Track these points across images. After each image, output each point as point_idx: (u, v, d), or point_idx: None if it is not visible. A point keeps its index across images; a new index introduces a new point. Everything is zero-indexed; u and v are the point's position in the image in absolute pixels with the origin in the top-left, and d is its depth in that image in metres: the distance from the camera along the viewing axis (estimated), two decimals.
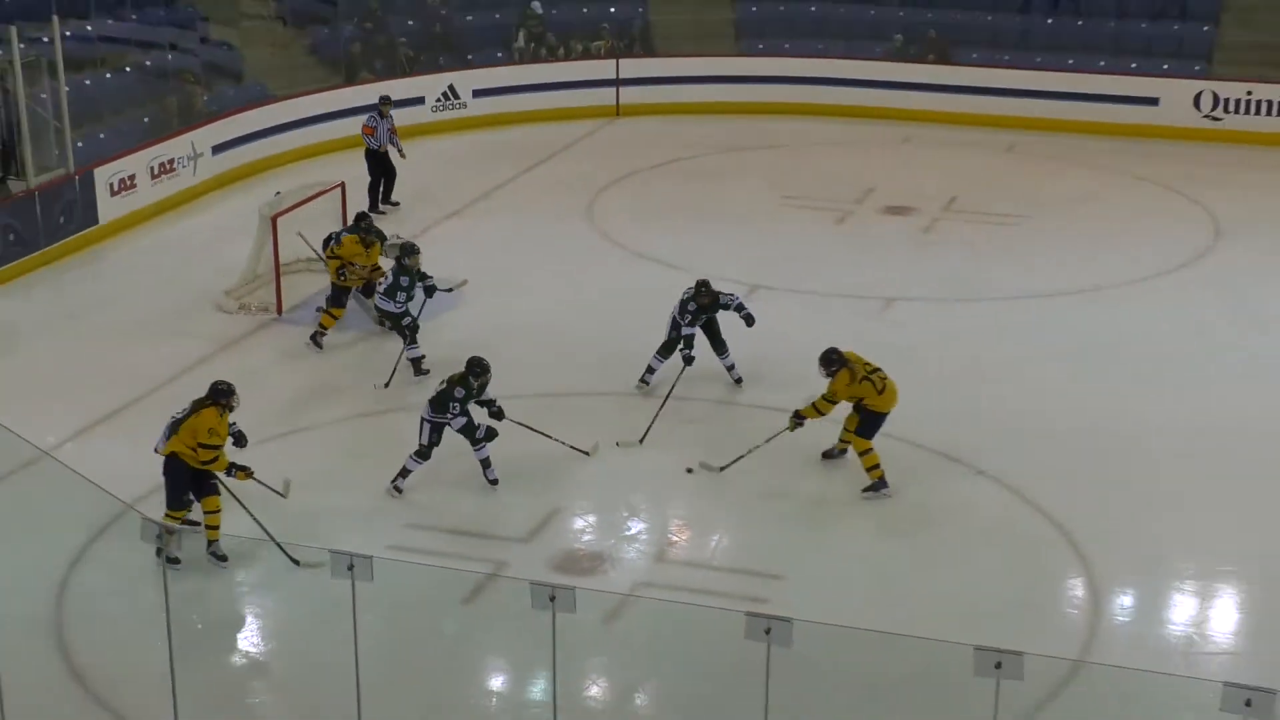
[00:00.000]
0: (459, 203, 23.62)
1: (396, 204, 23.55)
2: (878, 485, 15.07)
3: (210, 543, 13.53)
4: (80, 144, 22.38)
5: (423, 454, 14.93)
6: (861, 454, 15.11)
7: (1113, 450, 16.02)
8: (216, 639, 13.09)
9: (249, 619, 13.55)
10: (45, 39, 21.94)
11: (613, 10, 29.74)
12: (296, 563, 13.03)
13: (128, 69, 25.21)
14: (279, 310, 19.28)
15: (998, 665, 9.10)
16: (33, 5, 22.72)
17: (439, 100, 27.19)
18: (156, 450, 13.79)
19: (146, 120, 24.41)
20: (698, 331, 16.92)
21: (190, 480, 13.52)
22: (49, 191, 21.38)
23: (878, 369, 15.09)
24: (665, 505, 15.03)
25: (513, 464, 15.47)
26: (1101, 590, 13.53)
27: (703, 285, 16.88)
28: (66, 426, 16.33)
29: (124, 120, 24.26)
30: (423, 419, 14.91)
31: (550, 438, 15.48)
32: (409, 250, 17.88)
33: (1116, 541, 14.28)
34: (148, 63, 25.44)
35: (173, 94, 25.02)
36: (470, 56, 28.69)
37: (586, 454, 15.66)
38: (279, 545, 12.66)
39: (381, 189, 23.45)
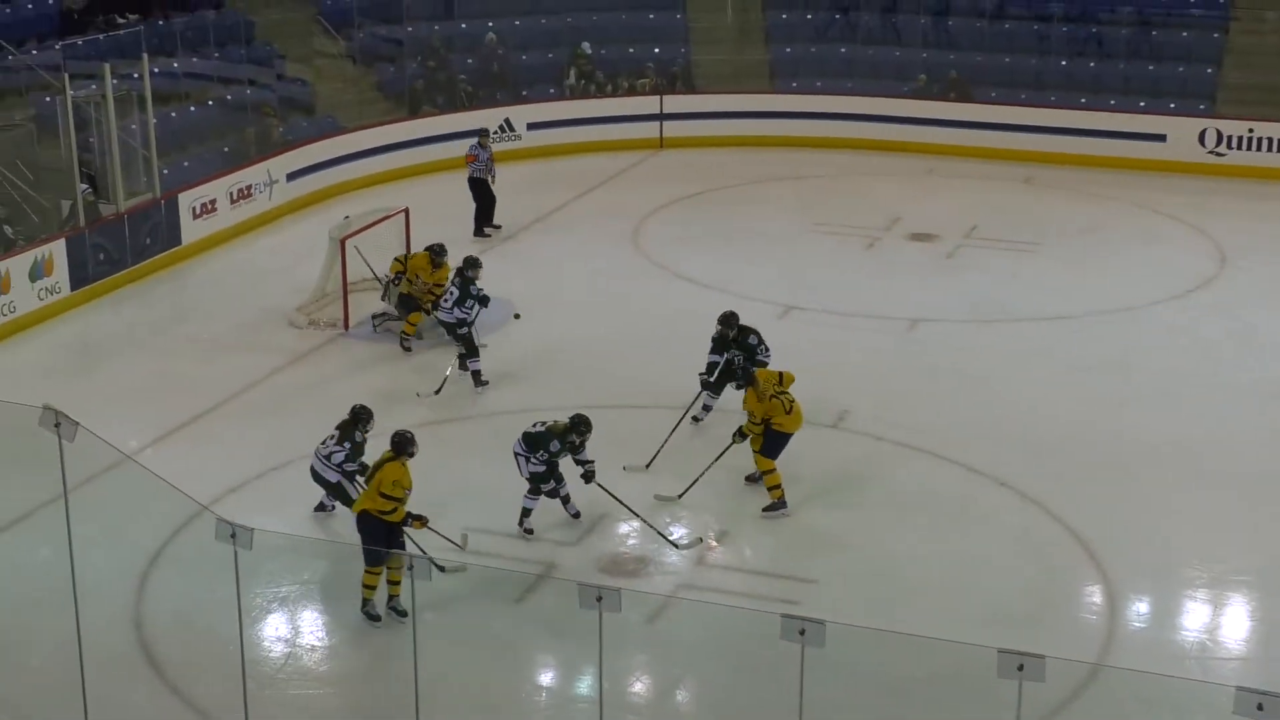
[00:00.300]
0: (514, 227, 23.43)
1: (498, 227, 23.37)
2: (776, 505, 14.55)
3: (391, 597, 12.75)
4: (166, 171, 22.31)
5: (534, 490, 14.19)
6: (764, 473, 14.60)
7: (1127, 463, 15.71)
8: (284, 634, 12.88)
9: (314, 615, 13.32)
10: (135, 75, 21.88)
11: (657, 50, 29.53)
12: (442, 569, 12.46)
13: (210, 102, 25.13)
14: (345, 326, 19.12)
15: (1020, 668, 8.85)
16: (125, 44, 22.70)
17: (496, 132, 26.97)
18: (325, 507, 13.78)
19: (226, 149, 24.32)
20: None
21: (384, 535, 12.77)
22: (137, 215, 21.28)
23: (785, 391, 14.61)
24: (705, 512, 14.73)
25: (562, 471, 15.24)
26: (1118, 597, 13.21)
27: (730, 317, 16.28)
28: (148, 432, 16.20)
29: (206, 149, 24.18)
30: (516, 454, 14.23)
31: (636, 515, 14.27)
32: (471, 264, 17.65)
33: (1132, 550, 13.98)
34: (228, 97, 25.36)
35: (251, 125, 24.92)
36: (525, 92, 28.52)
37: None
38: (431, 560, 11.95)
39: (489, 212, 23.38)
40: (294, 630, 13.00)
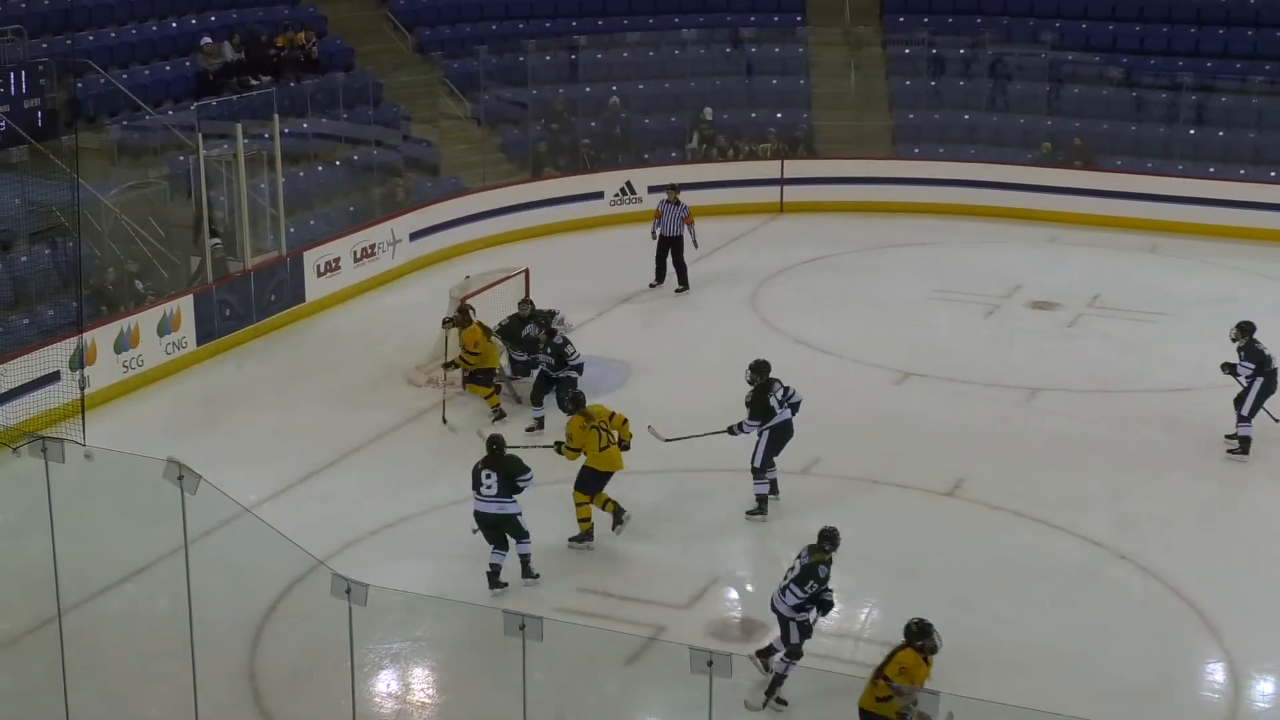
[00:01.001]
0: (632, 289, 23.52)
1: (682, 289, 23.53)
2: (582, 538, 15.02)
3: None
4: (292, 229, 22.71)
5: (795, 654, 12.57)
6: (576, 504, 15.05)
7: (1252, 540, 15.38)
8: (395, 690, 12.95)
9: (426, 673, 13.38)
10: (266, 135, 22.34)
11: (779, 116, 29.62)
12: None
13: (337, 162, 25.59)
14: (464, 385, 19.25)
15: None
16: (258, 105, 23.18)
17: (616, 195, 27.19)
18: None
19: (352, 209, 24.72)
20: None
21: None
22: (263, 272, 21.67)
23: (609, 429, 15.07)
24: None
25: (677, 533, 15.24)
26: (1241, 676, 12.90)
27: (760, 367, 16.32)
28: (267, 486, 16.41)
29: (331, 208, 24.61)
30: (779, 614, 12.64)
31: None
32: (549, 317, 18.42)
33: (1256, 629, 13.66)
34: (355, 157, 25.81)
35: (376, 185, 25.33)
36: (646, 156, 28.73)
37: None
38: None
39: (667, 270, 23.62)
40: (405, 687, 13.07)
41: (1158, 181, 27.32)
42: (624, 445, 15.30)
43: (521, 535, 14.30)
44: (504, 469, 14.15)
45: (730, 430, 15.97)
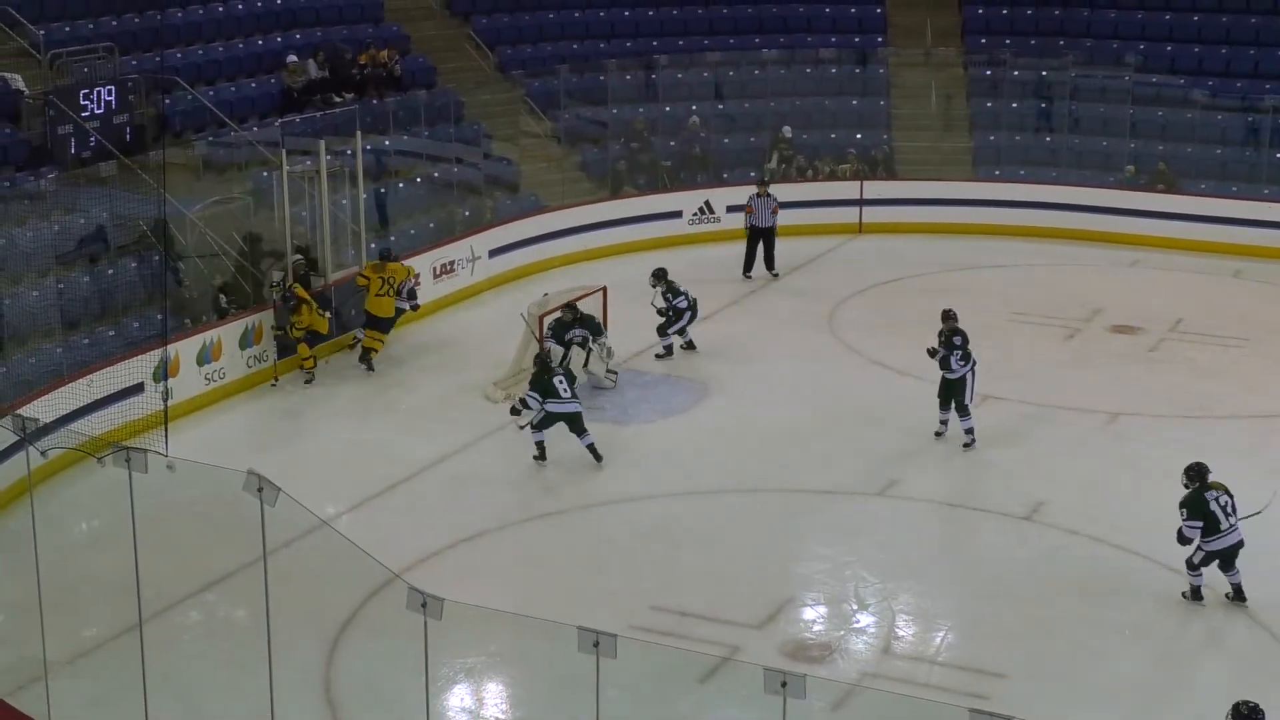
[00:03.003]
0: (711, 308, 23.49)
1: (776, 275, 25.25)
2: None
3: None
4: (373, 245, 22.86)
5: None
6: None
7: None
8: (469, 705, 13.00)
9: (500, 688, 13.42)
10: (349, 152, 22.52)
11: (859, 136, 29.55)
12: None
13: (418, 179, 25.77)
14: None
15: None
16: (340, 122, 23.39)
17: (695, 214, 27.19)
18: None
19: (432, 225, 24.89)
20: None
21: None
22: (344, 287, 21.83)
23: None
24: (893, 600, 14.54)
25: (748, 554, 15.22)
26: None
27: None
28: (345, 499, 16.54)
29: (412, 224, 24.78)
30: None
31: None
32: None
33: None
34: (435, 174, 25.99)
35: (456, 203, 25.50)
36: (725, 175, 28.73)
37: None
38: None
39: (759, 259, 25.21)
40: (478, 702, 13.11)
41: (1242, 206, 26.99)
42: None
43: (585, 430, 17.34)
44: (570, 375, 17.46)
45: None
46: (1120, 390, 20.13)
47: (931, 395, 18.30)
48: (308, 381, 20.30)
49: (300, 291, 20.25)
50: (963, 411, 17.93)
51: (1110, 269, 26.14)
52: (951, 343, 17.98)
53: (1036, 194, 28.11)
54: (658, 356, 21.05)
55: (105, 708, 12.39)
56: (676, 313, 21.16)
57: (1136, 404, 19.54)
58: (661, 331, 21.12)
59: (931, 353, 18.08)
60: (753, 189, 25.32)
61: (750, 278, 25.11)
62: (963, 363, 17.90)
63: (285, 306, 20.18)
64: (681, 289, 21.26)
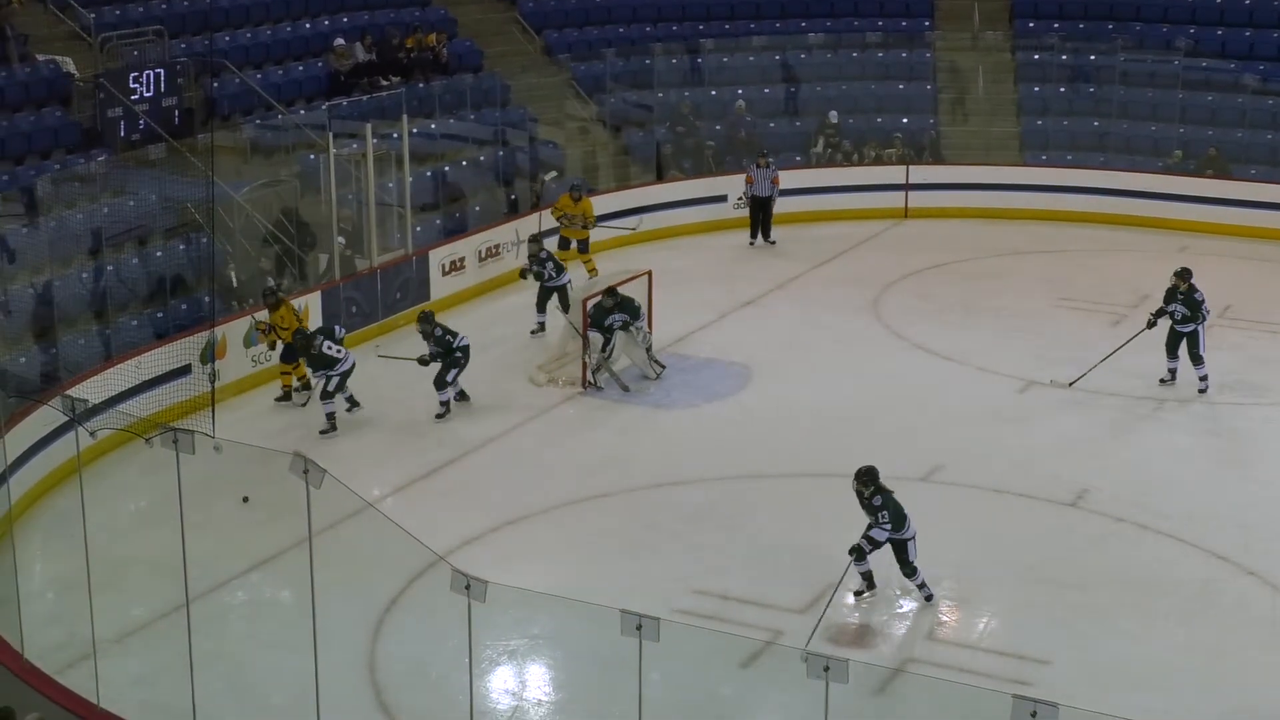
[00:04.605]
0: (754, 292, 23.50)
1: (773, 242, 25.94)
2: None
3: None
4: (419, 228, 22.94)
5: None
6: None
7: None
8: (512, 687, 13.04)
9: (542, 670, 13.47)
10: (395, 135, 22.62)
11: (905, 121, 29.44)
12: None
13: (464, 163, 25.82)
14: (584, 384, 19.36)
15: None
16: (387, 106, 23.48)
17: (739, 199, 27.16)
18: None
19: (477, 209, 24.94)
20: None
21: None
22: (389, 270, 21.93)
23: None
24: (936, 586, 14.50)
25: (791, 538, 15.20)
26: None
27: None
28: (390, 482, 16.61)
29: (457, 208, 24.83)
30: None
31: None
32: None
33: None
34: (481, 158, 26.04)
35: (511, 187, 25.55)
36: (770, 160, 28.64)
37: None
38: None
39: (760, 228, 26.08)
40: (522, 684, 13.15)
41: None
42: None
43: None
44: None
45: None
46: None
47: (975, 381, 18.27)
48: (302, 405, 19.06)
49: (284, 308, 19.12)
50: (1196, 361, 19.01)
51: (1158, 255, 25.90)
52: (1174, 297, 18.96)
53: (1084, 179, 27.97)
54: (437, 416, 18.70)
55: (152, 686, 12.50)
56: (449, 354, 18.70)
57: (1183, 391, 19.40)
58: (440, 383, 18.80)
59: (1151, 323, 19.20)
60: (754, 160, 26.07)
61: (754, 244, 25.91)
62: (1190, 316, 18.86)
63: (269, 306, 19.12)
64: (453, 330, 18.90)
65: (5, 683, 11.89)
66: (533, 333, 21.38)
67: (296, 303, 20.27)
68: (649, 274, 20.87)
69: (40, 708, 11.21)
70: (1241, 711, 12.23)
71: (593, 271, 22.61)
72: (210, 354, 18.02)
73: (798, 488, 16.62)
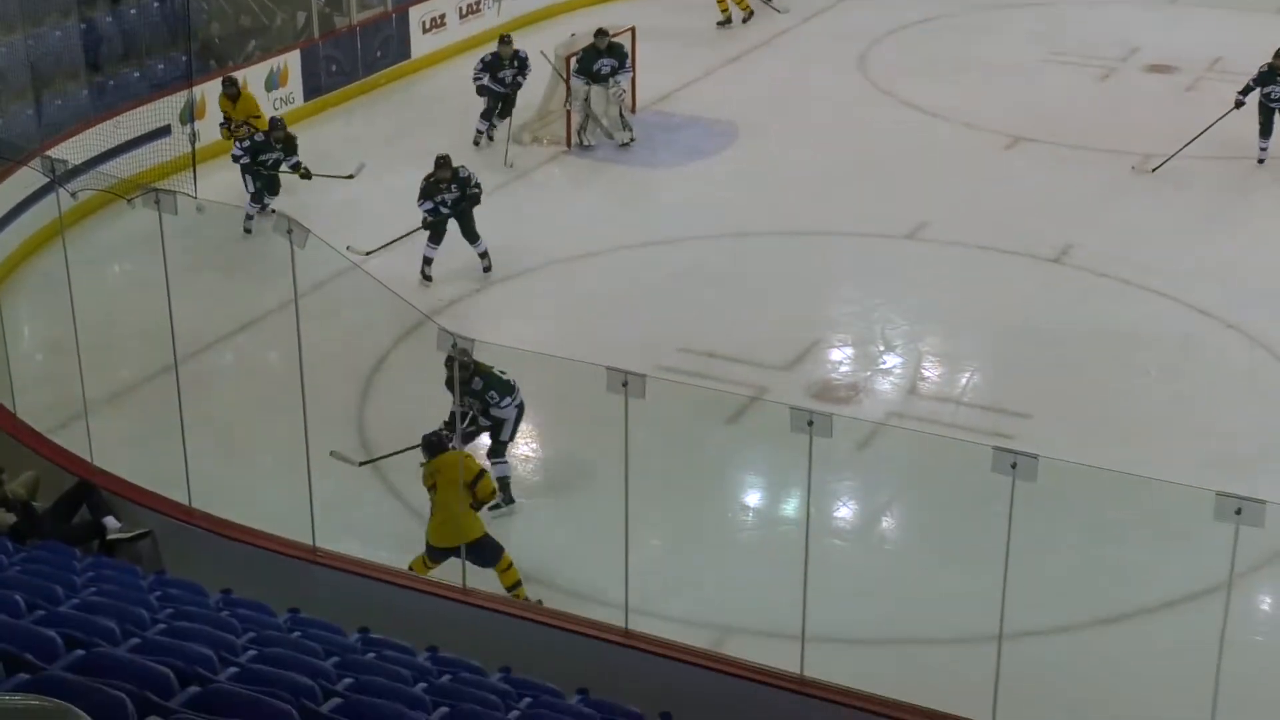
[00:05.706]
0: (739, 49, 23.12)
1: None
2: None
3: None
4: None
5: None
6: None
7: None
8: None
9: (528, 426, 13.55)
10: None
11: None
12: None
13: None
14: (568, 143, 19.17)
15: (1238, 512, 8.55)
16: None
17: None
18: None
19: None
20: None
21: None
22: (369, 28, 21.54)
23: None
24: (920, 341, 14.59)
25: (776, 296, 15.23)
26: None
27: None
28: (375, 240, 16.49)
29: None
30: None
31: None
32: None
33: None
34: None
35: None
36: None
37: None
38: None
39: None
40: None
41: None
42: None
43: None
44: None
45: None
46: (1155, 131, 19.77)
47: (965, 138, 18.10)
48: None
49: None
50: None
51: (1148, 5, 25.53)
52: (1273, 77, 18.19)
53: None
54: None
55: (144, 445, 12.59)
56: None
57: (1171, 145, 19.23)
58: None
59: (1239, 102, 18.41)
60: None
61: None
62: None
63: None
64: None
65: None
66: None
67: (274, 62, 19.95)
68: (633, 29, 20.50)
69: (35, 465, 11.30)
70: (1219, 461, 12.40)
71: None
72: (189, 114, 17.76)
73: (782, 246, 16.59)
